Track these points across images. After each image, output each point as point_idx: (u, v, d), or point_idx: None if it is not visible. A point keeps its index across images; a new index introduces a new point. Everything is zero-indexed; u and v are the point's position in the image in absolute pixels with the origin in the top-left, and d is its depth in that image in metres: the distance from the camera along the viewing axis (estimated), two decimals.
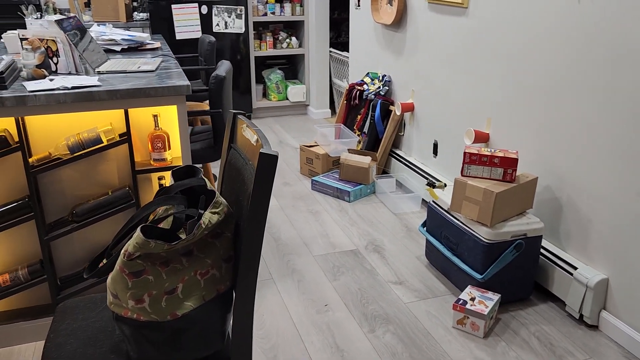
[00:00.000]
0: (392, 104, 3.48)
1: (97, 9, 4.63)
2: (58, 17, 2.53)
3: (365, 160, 3.29)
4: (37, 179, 1.93)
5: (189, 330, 1.15)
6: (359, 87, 3.71)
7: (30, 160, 1.86)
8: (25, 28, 2.86)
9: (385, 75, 3.55)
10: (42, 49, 1.99)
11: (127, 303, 1.10)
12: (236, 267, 1.21)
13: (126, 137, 1.94)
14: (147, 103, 1.89)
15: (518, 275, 2.16)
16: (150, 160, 2.02)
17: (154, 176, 2.08)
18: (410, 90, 3.30)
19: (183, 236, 1.15)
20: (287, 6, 4.99)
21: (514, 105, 2.40)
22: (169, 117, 2.03)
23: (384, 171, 3.58)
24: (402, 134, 3.47)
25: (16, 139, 1.85)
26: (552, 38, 2.15)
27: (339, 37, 5.83)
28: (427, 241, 2.49)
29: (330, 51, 5.03)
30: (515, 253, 2.10)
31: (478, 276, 2.11)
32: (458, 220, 2.24)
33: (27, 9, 2.95)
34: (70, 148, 1.87)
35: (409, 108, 3.26)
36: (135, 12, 4.94)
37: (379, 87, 3.53)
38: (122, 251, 1.07)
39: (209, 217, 1.13)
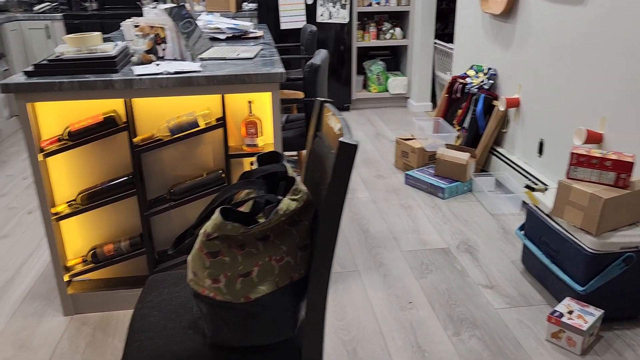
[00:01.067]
0: (496, 98, 3.28)
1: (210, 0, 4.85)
2: (168, 5, 2.67)
3: (463, 156, 3.14)
4: (140, 157, 2.05)
5: (261, 314, 1.15)
6: (462, 80, 3.55)
7: (134, 140, 1.99)
8: (142, 16, 3.08)
9: (491, 69, 3.36)
10: (152, 35, 2.11)
11: (204, 282, 1.13)
12: (311, 256, 1.20)
13: (222, 122, 2.01)
14: (242, 89, 1.93)
15: (627, 291, 1.95)
16: (242, 145, 2.07)
17: (246, 161, 2.14)
18: (517, 85, 3.09)
19: (262, 220, 1.16)
20: None
21: (632, 105, 2.16)
22: (263, 103, 2.06)
23: (482, 169, 3.40)
24: (505, 130, 3.26)
25: (124, 119, 1.98)
26: None
27: (445, 28, 5.62)
28: (524, 246, 2.33)
29: (435, 43, 4.86)
30: (624, 266, 1.89)
31: (579, 288, 1.93)
32: (560, 226, 2.06)
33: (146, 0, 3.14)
34: (170, 130, 1.97)
35: (514, 103, 3.06)
36: (245, 3, 5.12)
37: (483, 81, 3.34)
38: (202, 231, 1.10)
39: (287, 203, 1.12)
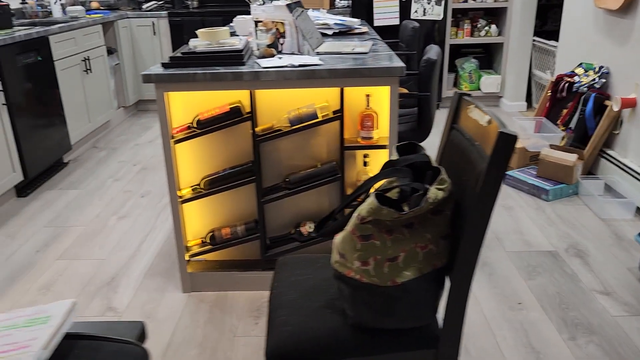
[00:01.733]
0: (608, 98, 3.14)
1: None
2: (283, 2, 2.76)
3: (570, 157, 3.03)
4: (259, 147, 2.15)
5: (404, 299, 1.19)
6: (568, 79, 3.42)
7: (256, 129, 2.08)
8: (249, 14, 3.19)
9: (603, 67, 3.21)
10: (274, 30, 2.20)
11: (352, 263, 1.18)
12: (452, 246, 1.22)
13: (339, 115, 2.06)
14: (362, 83, 1.97)
15: None
16: (357, 137, 2.12)
17: (359, 153, 2.18)
18: (634, 84, 2.94)
19: (406, 209, 1.19)
20: None
21: None
22: (379, 97, 2.10)
23: (589, 171, 3.26)
24: (617, 132, 3.11)
25: (248, 110, 2.09)
26: None
27: (544, 25, 5.42)
28: None
29: (534, 40, 4.70)
30: None
31: None
32: None
33: None
34: (290, 121, 2.05)
35: (630, 104, 2.91)
36: (337, 0, 5.18)
37: (594, 79, 3.20)
38: (355, 214, 1.14)
39: (435, 192, 1.14)
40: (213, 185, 2.15)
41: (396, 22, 4.69)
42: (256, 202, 2.19)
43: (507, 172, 3.25)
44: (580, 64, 3.42)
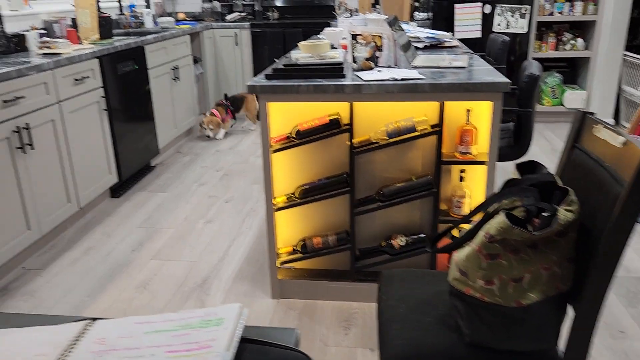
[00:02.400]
0: None
1: (385, 7, 4.98)
2: (377, 15, 2.79)
3: None
4: (354, 158, 2.17)
5: (527, 321, 1.16)
6: None
7: (353, 141, 2.11)
8: (329, 27, 3.24)
9: None
10: (372, 43, 2.23)
11: (474, 282, 1.17)
12: (577, 270, 1.18)
13: (438, 129, 2.05)
14: (464, 97, 1.96)
15: None
16: (455, 152, 2.10)
17: (455, 168, 2.16)
18: None
19: (530, 229, 1.17)
20: (578, 5, 4.62)
21: None
22: (479, 112, 2.07)
23: None
24: None
25: (346, 121, 2.12)
26: None
27: (634, 39, 5.17)
28: None
29: (624, 55, 4.50)
30: None
31: None
32: None
33: (339, 9, 3.32)
34: (388, 134, 2.06)
35: None
36: (416, 12, 5.17)
37: None
38: (483, 233, 1.13)
39: (564, 214, 1.12)
40: (308, 194, 2.19)
41: (478, 35, 4.62)
42: (349, 213, 2.21)
43: None
44: None
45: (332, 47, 2.45)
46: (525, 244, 1.15)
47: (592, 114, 1.36)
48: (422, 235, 2.20)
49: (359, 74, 2.09)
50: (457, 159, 2.08)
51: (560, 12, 4.68)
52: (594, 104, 4.69)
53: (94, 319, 0.78)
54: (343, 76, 2.06)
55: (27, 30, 3.22)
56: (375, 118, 2.14)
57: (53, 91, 2.73)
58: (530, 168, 1.34)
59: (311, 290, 2.30)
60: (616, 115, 4.77)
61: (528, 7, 4.54)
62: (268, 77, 2.08)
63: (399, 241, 2.20)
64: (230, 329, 0.73)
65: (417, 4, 5.40)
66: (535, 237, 1.11)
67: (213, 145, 4.55)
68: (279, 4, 5.44)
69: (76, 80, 2.92)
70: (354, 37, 2.29)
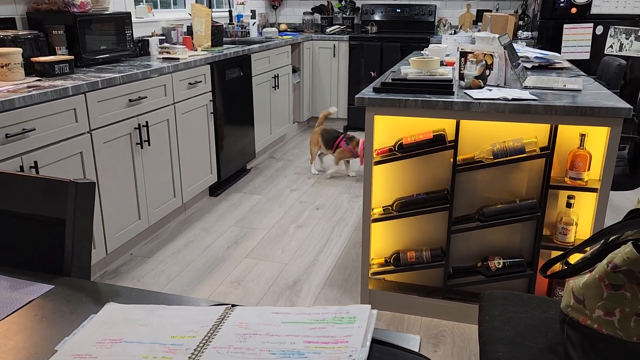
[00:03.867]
0: None
1: (490, 25, 4.88)
2: (487, 34, 2.76)
3: None
4: (456, 176, 2.16)
5: None
6: None
7: (457, 159, 2.10)
8: (428, 43, 3.24)
9: None
10: (483, 62, 2.21)
11: (592, 311, 1.13)
12: None
13: (548, 152, 2.00)
14: (579, 121, 1.89)
15: None
16: (565, 177, 2.03)
17: (562, 193, 2.09)
18: None
19: None
20: None
21: None
22: (593, 137, 1.99)
23: None
24: None
25: (450, 138, 2.11)
26: None
27: None
28: None
29: None
30: None
31: None
32: None
33: (444, 26, 3.31)
34: (494, 154, 2.03)
35: None
36: (520, 31, 5.03)
37: None
38: (605, 262, 1.10)
39: None
40: (405, 208, 2.20)
41: (586, 56, 4.42)
42: (446, 230, 2.20)
43: None
44: None
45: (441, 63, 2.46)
46: None
47: None
48: (521, 259, 2.14)
49: (468, 91, 2.08)
50: (566, 184, 2.01)
51: None
52: None
53: (234, 305, 0.85)
54: (452, 93, 2.06)
55: (149, 36, 3.49)
56: (481, 136, 2.12)
57: (170, 93, 2.94)
58: None
59: (400, 304, 2.30)
60: None
61: None
62: (376, 90, 2.13)
63: (496, 263, 2.15)
64: (364, 327, 0.76)
65: (521, 23, 5.26)
66: None
67: (304, 152, 4.67)
68: (377, 18, 5.51)
69: (190, 84, 3.13)
70: (463, 54, 2.28)
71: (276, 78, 4.44)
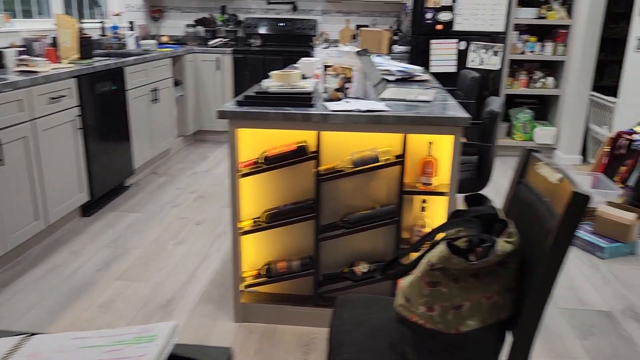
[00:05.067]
0: None
1: (364, 41, 5.11)
2: (350, 48, 2.88)
3: (629, 216, 2.97)
4: (321, 185, 2.22)
5: (466, 348, 1.21)
6: (628, 137, 3.38)
7: (319, 168, 2.16)
8: (309, 56, 3.35)
9: None
10: (342, 75, 2.31)
11: (417, 308, 1.21)
12: (517, 300, 1.24)
13: (401, 160, 2.12)
14: (426, 130, 2.04)
15: None
16: (417, 183, 2.17)
17: (417, 198, 2.22)
18: None
19: (472, 259, 1.22)
20: (549, 45, 4.81)
21: None
22: (441, 145, 2.15)
23: None
24: None
25: (313, 149, 2.17)
26: None
27: (601, 80, 5.38)
28: None
29: (591, 95, 4.68)
30: None
31: None
32: None
33: (317, 40, 3.41)
34: (354, 162, 2.12)
35: None
36: (395, 45, 5.32)
37: None
38: (425, 261, 1.19)
39: (502, 245, 1.18)
40: (274, 219, 2.22)
41: (453, 69, 4.77)
42: (313, 238, 2.25)
43: None
44: None
45: (304, 77, 2.52)
46: (467, 273, 1.21)
47: (536, 151, 1.43)
48: (384, 263, 2.24)
49: (327, 104, 2.16)
50: (419, 189, 2.15)
51: (531, 52, 4.86)
52: (563, 140, 4.84)
53: (33, 334, 0.81)
54: (312, 105, 2.13)
55: (5, 48, 3.24)
56: (342, 147, 2.20)
57: (28, 108, 2.75)
58: (479, 200, 1.40)
59: (273, 315, 2.32)
60: (584, 152, 4.92)
61: (501, 45, 4.71)
62: (239, 103, 2.14)
63: (362, 268, 2.24)
64: (161, 345, 0.76)
65: (396, 38, 5.56)
66: (474, 267, 1.16)
67: (190, 167, 4.58)
68: (261, 31, 5.55)
69: (52, 98, 2.95)
70: (326, 68, 2.37)
71: (155, 91, 4.32)
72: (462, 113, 2.03)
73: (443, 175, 2.16)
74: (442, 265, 1.16)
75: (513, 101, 5.24)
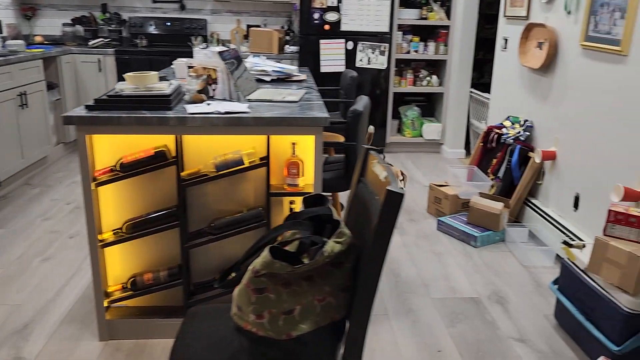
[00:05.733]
0: (532, 150, 3.31)
1: (254, 41, 5.06)
2: (220, 48, 2.82)
3: (497, 205, 3.15)
4: (185, 191, 2.14)
5: (301, 352, 1.19)
6: (497, 131, 3.59)
7: (182, 174, 2.08)
8: (192, 56, 3.24)
9: (527, 120, 3.40)
10: (204, 76, 2.23)
11: (248, 316, 1.18)
12: (352, 298, 1.24)
13: (266, 161, 2.09)
14: (287, 131, 2.02)
15: None
16: (284, 184, 2.14)
17: (286, 200, 2.20)
18: (554, 138, 3.12)
19: (306, 261, 1.21)
20: (431, 45, 5.02)
21: None
22: (306, 145, 2.14)
23: (515, 220, 3.39)
24: (540, 182, 3.27)
25: (173, 154, 2.08)
26: None
27: (481, 77, 5.70)
28: (558, 300, 2.31)
29: (471, 92, 4.94)
30: None
31: (614, 347, 1.90)
32: (596, 283, 2.05)
33: (196, 39, 3.32)
34: (216, 166, 2.06)
35: (550, 156, 3.08)
36: (287, 46, 5.31)
37: (519, 132, 3.38)
38: (250, 268, 1.15)
39: (332, 245, 1.17)
40: (136, 229, 2.11)
41: (342, 69, 4.83)
42: (180, 247, 2.16)
43: (440, 218, 3.34)
44: (508, 117, 3.60)
45: (162, 78, 2.42)
46: (300, 276, 1.19)
47: (375, 149, 1.45)
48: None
49: (186, 106, 2.08)
50: (285, 190, 2.13)
51: (415, 51, 5.04)
52: (448, 135, 5.07)
53: None
54: (169, 108, 2.03)
55: None
56: (206, 150, 2.13)
57: None
58: (319, 201, 1.39)
59: (143, 330, 2.20)
60: (467, 146, 5.19)
61: (387, 45, 4.85)
62: (89, 107, 2.00)
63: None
64: None
65: (288, 38, 5.55)
66: (300, 270, 1.14)
67: (70, 175, 4.28)
68: (147, 31, 5.32)
69: None
70: (189, 69, 2.28)
71: (23, 96, 3.99)
72: (320, 113, 2.03)
73: (309, 176, 2.16)
74: (266, 271, 1.13)
75: (403, 99, 5.41)
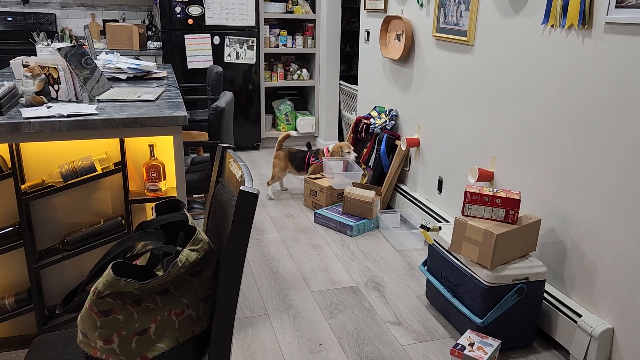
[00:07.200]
0: (398, 138, 3.44)
1: (112, 37, 4.71)
2: (63, 44, 2.56)
3: (369, 194, 3.24)
4: (29, 206, 1.91)
5: None
6: (366, 121, 3.69)
7: (22, 186, 1.85)
8: (35, 54, 2.92)
9: (392, 110, 3.53)
10: (43, 76, 2.00)
11: (95, 343, 1.05)
12: (214, 307, 1.16)
13: (121, 167, 1.92)
14: (142, 133, 1.87)
15: (520, 321, 2.07)
16: (144, 190, 1.99)
17: (148, 206, 2.05)
18: (417, 126, 3.27)
19: (160, 273, 1.11)
20: (299, 39, 5.04)
21: (518, 145, 2.35)
22: (166, 147, 2.01)
23: (388, 206, 3.52)
24: (407, 169, 3.42)
25: (9, 165, 1.84)
26: (557, 78, 2.11)
27: (350, 70, 5.86)
28: (428, 281, 2.42)
29: (340, 84, 5.04)
30: (517, 297, 2.02)
31: (478, 320, 2.02)
32: (458, 260, 2.17)
33: (38, 36, 2.99)
34: (63, 176, 1.85)
35: (414, 143, 3.22)
36: (149, 41, 5.02)
37: (385, 122, 3.50)
38: (92, 289, 1.03)
39: (187, 254, 1.08)
40: None
41: (209, 64, 4.67)
42: (27, 268, 1.92)
43: (317, 211, 3.36)
44: (375, 107, 3.72)
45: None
46: (153, 292, 1.08)
47: (231, 147, 1.38)
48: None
49: (23, 110, 1.85)
50: (146, 196, 1.98)
51: (284, 45, 5.03)
52: (322, 127, 5.14)
53: None
54: (0, 114, 1.79)
55: None
56: (52, 159, 1.91)
57: None
58: (175, 206, 1.29)
59: None
60: (340, 137, 5.30)
61: (255, 39, 4.77)
62: None
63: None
64: None
65: (150, 33, 5.26)
66: (150, 286, 1.04)
67: None
68: None
69: None
70: (24, 67, 2.03)
71: None
72: (178, 112, 1.91)
73: (171, 179, 2.03)
74: (111, 290, 1.01)
75: (276, 93, 5.39)
